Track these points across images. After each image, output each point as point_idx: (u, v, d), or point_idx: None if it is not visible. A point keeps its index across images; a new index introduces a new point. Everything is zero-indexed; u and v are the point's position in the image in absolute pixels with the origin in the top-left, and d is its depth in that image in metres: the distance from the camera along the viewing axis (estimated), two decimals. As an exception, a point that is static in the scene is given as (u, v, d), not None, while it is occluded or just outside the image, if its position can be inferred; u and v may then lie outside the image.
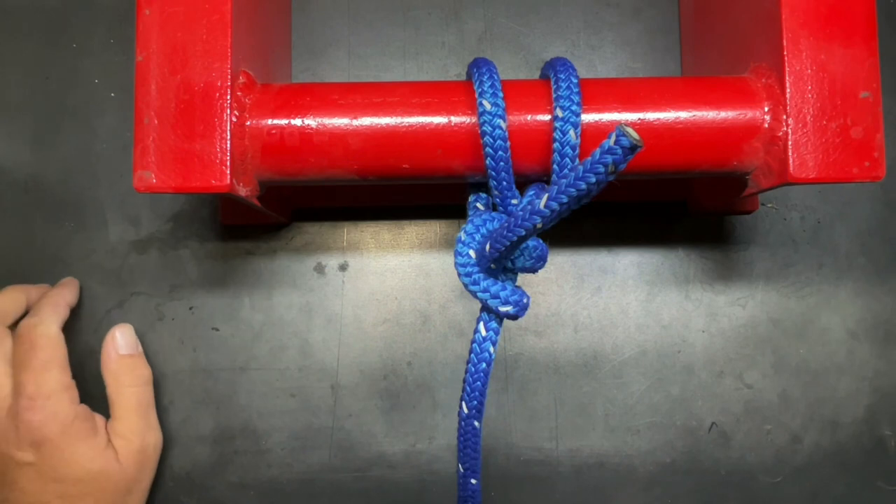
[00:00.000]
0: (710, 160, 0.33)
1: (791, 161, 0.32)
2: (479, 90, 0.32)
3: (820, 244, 0.45)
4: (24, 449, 0.37)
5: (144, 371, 0.42)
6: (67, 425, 0.38)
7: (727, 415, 0.45)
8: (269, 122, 0.33)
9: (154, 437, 0.41)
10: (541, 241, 0.33)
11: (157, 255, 0.45)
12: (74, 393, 0.39)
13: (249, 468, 0.44)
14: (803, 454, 0.45)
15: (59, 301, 0.41)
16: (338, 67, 0.45)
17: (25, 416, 0.37)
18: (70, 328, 0.42)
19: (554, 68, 0.33)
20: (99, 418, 0.40)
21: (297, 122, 0.33)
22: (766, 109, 0.33)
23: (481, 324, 0.32)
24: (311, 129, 0.33)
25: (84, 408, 0.39)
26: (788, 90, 0.32)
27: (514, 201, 0.33)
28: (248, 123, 0.32)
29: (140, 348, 0.42)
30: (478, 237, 0.32)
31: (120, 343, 0.41)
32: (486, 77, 0.32)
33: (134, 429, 0.40)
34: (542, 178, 0.34)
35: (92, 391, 0.42)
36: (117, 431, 0.40)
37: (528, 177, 0.34)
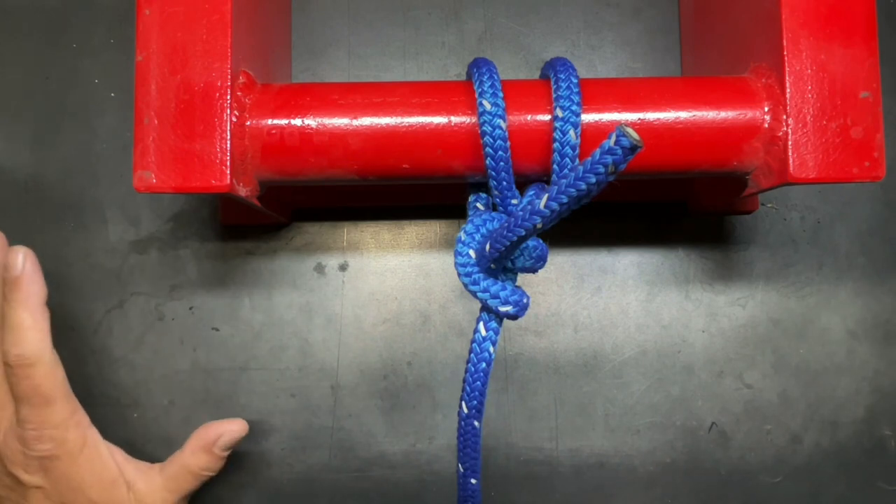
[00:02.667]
0: (710, 160, 0.33)
1: (791, 161, 0.32)
2: (479, 90, 0.32)
3: (820, 244, 0.45)
4: (33, 473, 0.37)
5: (215, 473, 0.41)
6: (76, 454, 0.37)
7: (727, 415, 0.45)
8: (269, 122, 0.33)
9: None
10: (541, 241, 0.33)
11: (157, 255, 0.45)
12: (81, 415, 0.38)
13: (249, 468, 0.44)
14: (803, 454, 0.45)
15: (35, 310, 0.36)
16: (338, 67, 0.45)
17: (34, 445, 0.36)
18: (70, 328, 0.42)
19: (554, 68, 0.33)
20: (114, 450, 0.39)
21: (297, 122, 0.33)
22: (766, 109, 0.33)
23: (481, 324, 0.32)
24: (311, 129, 0.33)
25: (94, 434, 0.39)
26: (788, 90, 0.32)
27: (514, 201, 0.33)
28: (248, 123, 0.32)
29: (230, 450, 0.41)
30: (478, 237, 0.32)
31: (222, 443, 0.40)
32: (486, 77, 0.32)
33: (168, 501, 0.39)
34: (542, 178, 0.34)
35: (92, 391, 0.42)
36: (155, 488, 0.39)
37: (528, 177, 0.34)
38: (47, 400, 0.36)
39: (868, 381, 0.45)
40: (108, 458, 0.38)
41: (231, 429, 0.40)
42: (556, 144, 0.32)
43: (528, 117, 0.33)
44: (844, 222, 0.46)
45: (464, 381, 0.32)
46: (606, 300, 0.45)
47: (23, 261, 0.36)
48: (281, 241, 0.45)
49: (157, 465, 0.40)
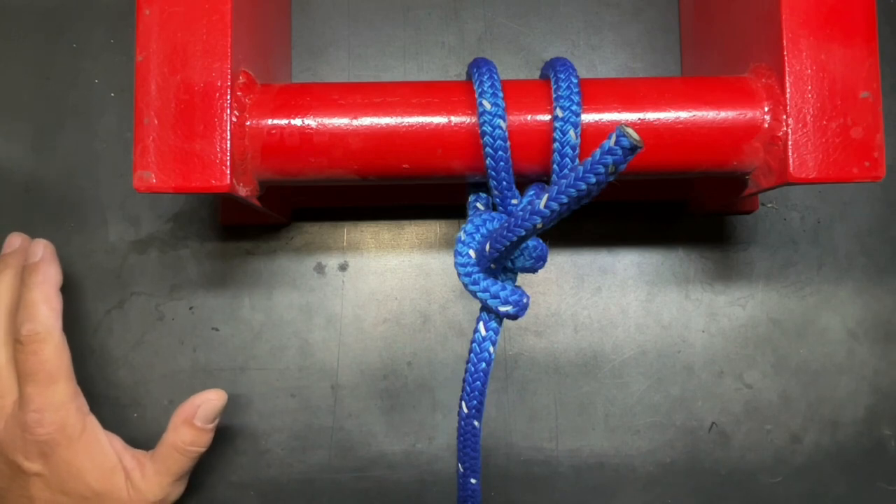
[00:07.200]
0: (710, 160, 0.33)
1: (791, 161, 0.32)
2: (479, 90, 0.32)
3: (820, 244, 0.45)
4: (33, 459, 0.37)
5: (203, 448, 0.40)
6: (76, 439, 0.37)
7: (727, 415, 0.45)
8: (269, 122, 0.33)
9: (175, 495, 0.40)
10: (541, 241, 0.33)
11: (157, 255, 0.45)
12: (81, 401, 0.39)
13: (249, 468, 0.44)
14: (803, 454, 0.45)
15: (49, 292, 0.39)
16: (338, 67, 0.45)
17: (34, 429, 0.36)
18: (70, 328, 0.42)
19: (554, 68, 0.33)
20: (112, 438, 0.40)
21: (297, 122, 0.33)
22: (766, 109, 0.33)
23: (481, 324, 0.32)
24: (311, 129, 0.33)
25: (93, 420, 0.39)
26: (788, 90, 0.32)
27: (514, 201, 0.33)
28: (248, 123, 0.32)
29: (215, 423, 0.40)
30: (478, 237, 0.32)
31: (200, 413, 0.39)
32: (486, 77, 0.32)
33: (163, 484, 0.39)
34: (542, 178, 0.34)
35: (91, 391, 0.42)
36: (147, 474, 0.39)
37: (528, 177, 0.34)
38: (52, 378, 0.37)
39: (868, 381, 0.45)
40: (106, 446, 0.39)
41: (208, 398, 0.40)
42: (556, 144, 0.32)
43: (528, 117, 0.33)
44: (844, 222, 0.46)
45: (464, 381, 0.32)
46: (606, 300, 0.45)
47: (42, 250, 0.40)
48: (281, 241, 0.45)
49: (148, 452, 0.40)
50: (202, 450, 0.40)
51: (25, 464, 0.37)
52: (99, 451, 0.38)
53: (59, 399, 0.37)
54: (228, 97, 0.31)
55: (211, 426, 0.40)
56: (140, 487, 0.39)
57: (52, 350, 0.37)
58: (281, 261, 0.45)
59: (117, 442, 0.40)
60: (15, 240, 0.41)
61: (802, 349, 0.45)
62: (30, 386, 0.37)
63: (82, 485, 0.37)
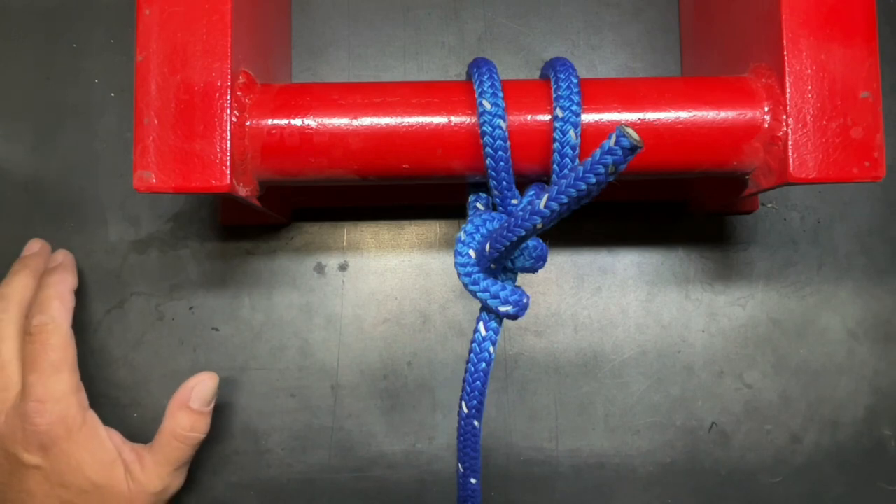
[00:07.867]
0: (710, 160, 0.33)
1: (791, 161, 0.32)
2: (479, 90, 0.32)
3: (820, 244, 0.45)
4: (32, 451, 0.37)
5: (201, 434, 0.40)
6: (75, 431, 0.37)
7: (727, 415, 0.45)
8: (269, 122, 0.33)
9: (176, 486, 0.40)
10: (541, 241, 0.33)
11: (157, 255, 0.45)
12: (83, 396, 0.39)
13: (249, 468, 0.44)
14: (803, 454, 0.45)
15: (63, 291, 0.40)
16: (338, 67, 0.45)
17: (34, 419, 0.37)
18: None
19: (554, 68, 0.33)
20: (111, 432, 0.40)
21: (297, 122, 0.33)
22: (766, 109, 0.33)
23: (481, 324, 0.32)
24: (311, 129, 0.33)
25: (93, 415, 0.39)
26: (788, 90, 0.32)
27: (514, 201, 0.33)
28: (248, 123, 0.32)
29: (212, 405, 0.40)
30: (478, 237, 0.32)
31: (195, 396, 0.39)
32: (486, 77, 0.32)
33: (162, 475, 0.39)
34: (542, 178, 0.34)
35: (92, 391, 0.42)
36: (147, 465, 0.39)
37: (528, 177, 0.34)
38: (55, 368, 0.37)
39: (868, 381, 0.45)
40: (105, 440, 0.39)
41: (201, 379, 0.40)
42: (556, 144, 0.32)
43: (528, 117, 0.33)
44: (844, 222, 0.46)
45: (464, 381, 0.32)
46: (606, 300, 0.45)
47: (63, 257, 0.43)
48: (281, 241, 0.45)
49: (147, 445, 0.40)
50: (201, 436, 0.40)
51: (25, 456, 0.37)
52: (98, 445, 0.38)
53: (61, 390, 0.37)
54: (228, 97, 0.31)
55: (208, 409, 0.40)
56: (140, 479, 0.39)
57: (59, 341, 0.38)
58: (281, 261, 0.45)
59: (116, 436, 0.40)
60: (35, 245, 0.43)
61: (802, 349, 0.45)
62: (33, 375, 0.37)
63: (82, 478, 0.37)
